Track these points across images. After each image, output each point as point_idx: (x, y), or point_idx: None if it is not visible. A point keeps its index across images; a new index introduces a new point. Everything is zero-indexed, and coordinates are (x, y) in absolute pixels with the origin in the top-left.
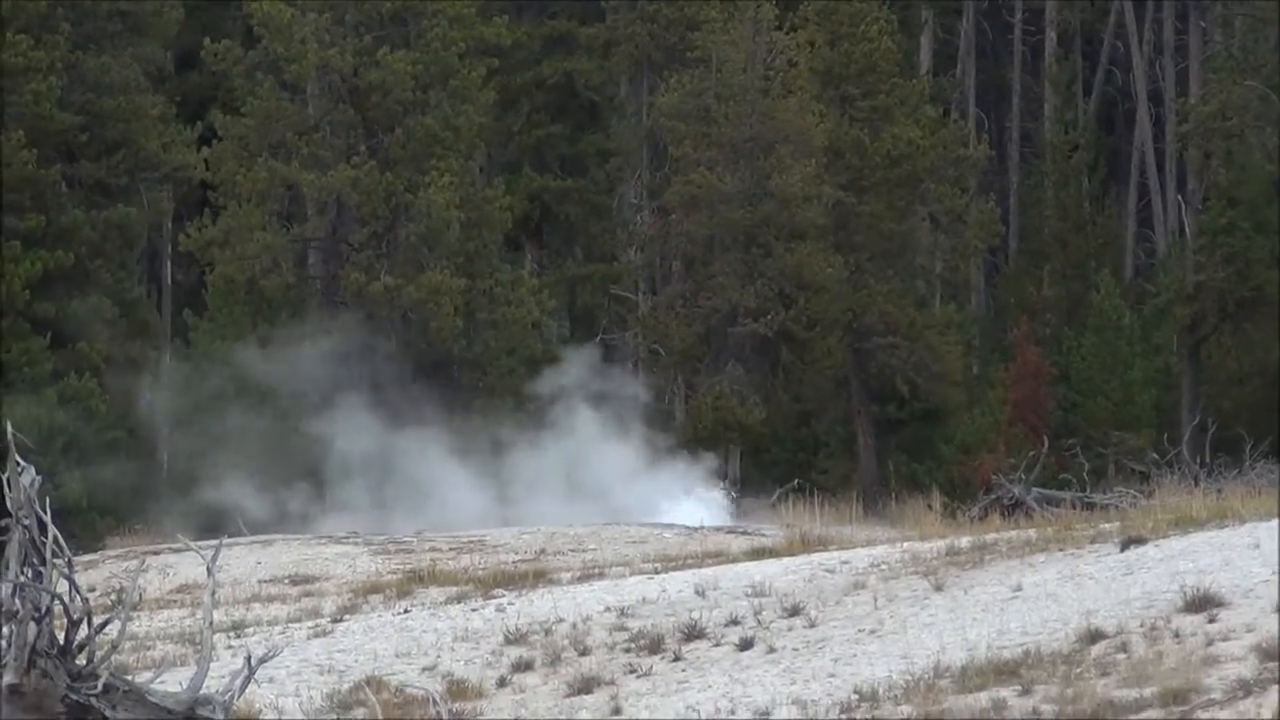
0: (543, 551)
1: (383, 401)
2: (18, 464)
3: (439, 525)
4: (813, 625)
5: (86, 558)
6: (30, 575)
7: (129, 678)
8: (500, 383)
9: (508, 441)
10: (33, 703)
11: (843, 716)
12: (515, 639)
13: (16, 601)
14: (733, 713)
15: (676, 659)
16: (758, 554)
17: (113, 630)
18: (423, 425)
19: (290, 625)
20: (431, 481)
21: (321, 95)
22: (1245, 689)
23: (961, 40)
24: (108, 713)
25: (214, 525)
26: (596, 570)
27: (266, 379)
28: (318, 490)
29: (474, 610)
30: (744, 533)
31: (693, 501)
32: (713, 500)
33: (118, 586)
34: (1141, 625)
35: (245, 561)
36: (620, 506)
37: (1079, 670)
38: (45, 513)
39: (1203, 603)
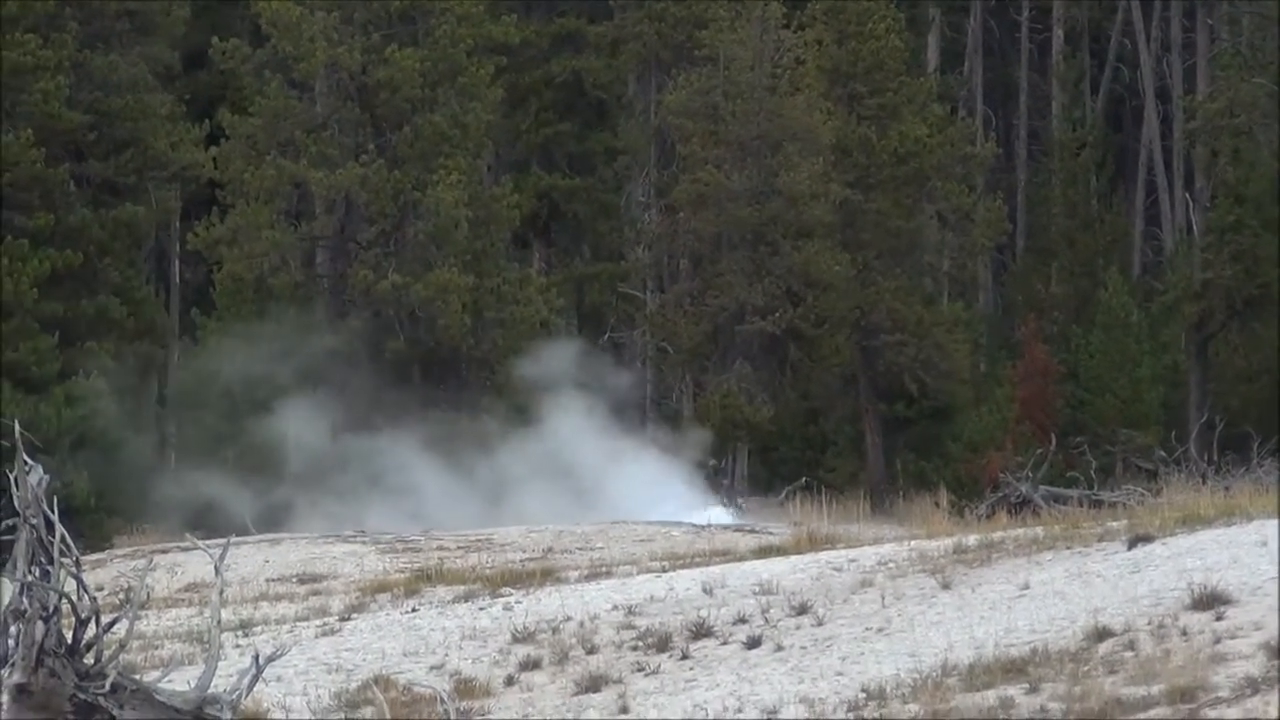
0: (550, 550)
1: (390, 399)
2: (25, 463)
3: (446, 523)
4: (820, 623)
5: (94, 557)
6: (38, 574)
7: (137, 677)
8: (508, 381)
9: (513, 439)
10: (40, 702)
11: (850, 715)
12: (523, 637)
13: (24, 600)
14: (740, 711)
15: (684, 657)
16: (765, 552)
17: (120, 629)
18: (429, 423)
19: (298, 624)
20: (438, 480)
21: (330, 93)
22: (1253, 687)
23: (969, 38)
24: (115, 712)
25: (219, 524)
26: (604, 569)
27: (273, 377)
28: (322, 488)
29: (481, 609)
30: (751, 531)
31: (696, 502)
32: (716, 510)
33: (125, 585)
34: (1149, 623)
35: (253, 560)
36: (624, 505)
37: (1086, 668)
38: (53, 512)
39: (1210, 600)
